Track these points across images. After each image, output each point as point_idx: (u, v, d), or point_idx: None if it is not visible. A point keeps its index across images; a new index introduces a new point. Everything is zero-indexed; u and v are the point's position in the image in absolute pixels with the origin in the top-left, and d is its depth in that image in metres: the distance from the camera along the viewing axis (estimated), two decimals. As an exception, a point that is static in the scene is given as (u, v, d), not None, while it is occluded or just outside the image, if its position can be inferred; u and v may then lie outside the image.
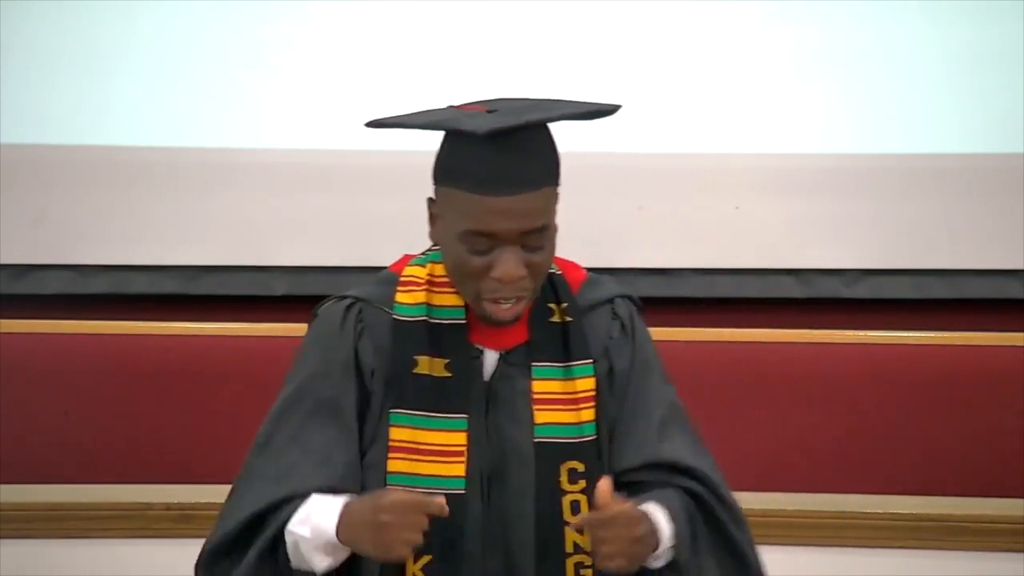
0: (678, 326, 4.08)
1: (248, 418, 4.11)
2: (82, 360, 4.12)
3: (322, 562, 2.14)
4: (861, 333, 4.14)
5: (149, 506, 3.73)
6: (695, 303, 4.36)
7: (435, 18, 4.33)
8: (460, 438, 2.18)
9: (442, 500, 2.07)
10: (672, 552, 2.18)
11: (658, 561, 2.17)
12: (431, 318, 2.23)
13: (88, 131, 4.40)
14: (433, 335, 2.22)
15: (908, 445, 4.04)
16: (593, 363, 2.24)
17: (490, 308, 2.17)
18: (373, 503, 2.07)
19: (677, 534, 2.17)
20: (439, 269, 2.25)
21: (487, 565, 2.18)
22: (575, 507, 2.18)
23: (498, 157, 2.14)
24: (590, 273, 2.34)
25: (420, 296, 2.24)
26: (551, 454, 2.19)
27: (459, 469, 2.18)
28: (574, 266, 2.33)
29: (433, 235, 2.25)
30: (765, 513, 3.65)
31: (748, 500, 3.64)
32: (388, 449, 2.18)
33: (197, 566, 2.23)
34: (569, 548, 2.18)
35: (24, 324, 4.18)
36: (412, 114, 2.29)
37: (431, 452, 2.18)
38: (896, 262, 4.39)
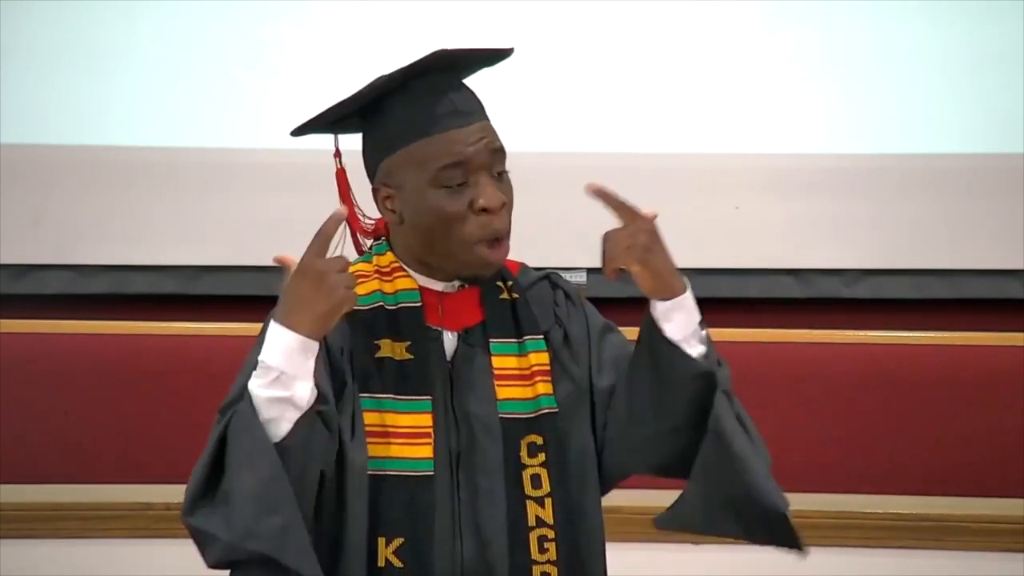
0: (678, 326, 4.07)
1: (248, 418, 4.13)
2: (82, 360, 4.12)
3: (303, 387, 2.09)
4: (861, 333, 4.15)
5: (149, 506, 3.74)
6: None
7: (435, 18, 4.33)
8: (426, 419, 2.19)
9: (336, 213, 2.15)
10: (703, 337, 2.23)
11: (693, 345, 2.21)
12: (387, 304, 2.25)
13: (88, 131, 4.40)
14: (391, 320, 2.24)
15: (908, 445, 4.04)
16: (545, 337, 2.27)
17: (484, 252, 2.20)
18: (297, 271, 2.18)
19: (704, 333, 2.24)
20: (384, 260, 2.28)
21: (459, 544, 2.18)
22: (535, 480, 2.19)
23: (442, 96, 2.22)
24: (520, 262, 2.37)
25: (373, 285, 2.26)
26: (513, 429, 2.21)
27: (426, 451, 2.18)
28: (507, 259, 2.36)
29: (391, 217, 2.27)
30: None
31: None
32: (365, 435, 2.18)
33: (183, 514, 2.19)
34: (531, 522, 2.19)
35: (24, 324, 4.18)
36: (329, 108, 2.34)
37: (399, 435, 2.19)
38: (896, 262, 4.39)
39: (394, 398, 2.20)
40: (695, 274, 4.72)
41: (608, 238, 2.24)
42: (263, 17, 4.38)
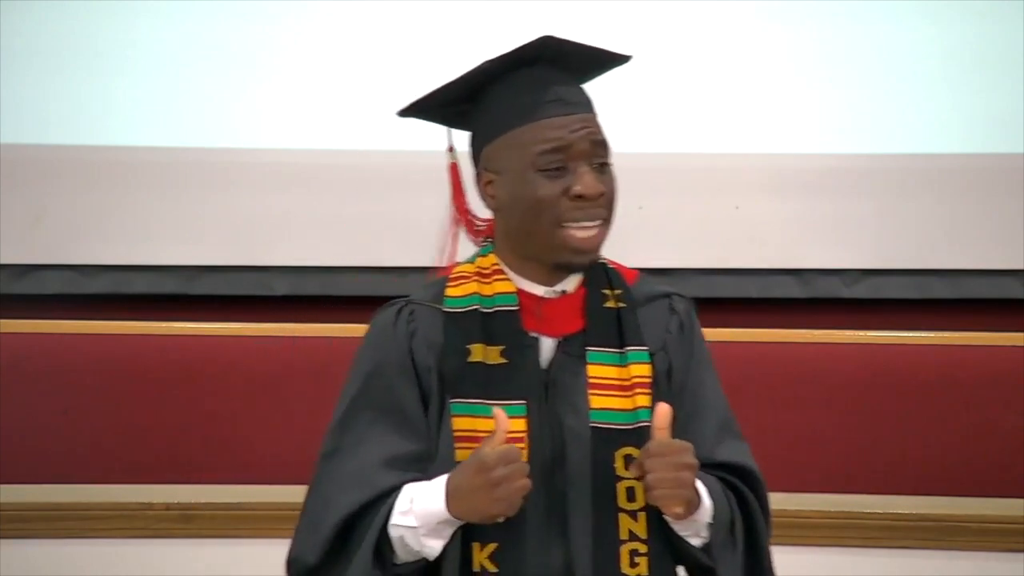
0: (678, 326, 4.08)
1: (248, 418, 4.13)
2: (82, 360, 4.12)
3: (435, 545, 2.15)
4: (861, 333, 4.14)
5: (149, 506, 3.73)
6: (695, 303, 4.35)
7: (435, 18, 4.33)
8: (519, 424, 2.18)
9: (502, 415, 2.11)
10: (709, 530, 2.18)
11: (697, 537, 2.18)
12: (483, 307, 2.24)
13: (88, 131, 4.40)
14: (486, 323, 2.22)
15: (908, 445, 4.04)
16: (650, 352, 2.24)
17: (573, 234, 2.19)
18: (477, 464, 2.09)
19: (715, 513, 2.18)
20: (487, 261, 2.27)
21: (549, 551, 2.18)
22: (630, 493, 2.17)
23: (548, 86, 2.23)
24: (641, 272, 2.35)
25: (471, 287, 2.25)
26: (606, 440, 2.19)
27: (520, 455, 2.17)
28: (624, 267, 2.34)
29: (491, 203, 2.26)
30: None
31: (748, 500, 3.66)
32: (454, 440, 2.19)
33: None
34: (623, 535, 2.17)
35: (24, 324, 4.18)
36: (436, 89, 2.32)
37: None
38: (896, 262, 4.40)
39: (485, 403, 2.19)
40: (695, 274, 4.72)
41: (652, 474, 2.13)
42: (263, 17, 4.38)
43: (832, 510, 3.73)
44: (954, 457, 4.02)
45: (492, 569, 2.16)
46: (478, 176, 2.27)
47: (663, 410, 2.11)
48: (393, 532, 2.16)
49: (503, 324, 2.22)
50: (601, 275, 2.28)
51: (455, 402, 2.20)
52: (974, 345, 4.11)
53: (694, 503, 2.15)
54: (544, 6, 4.31)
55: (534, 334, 2.24)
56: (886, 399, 4.07)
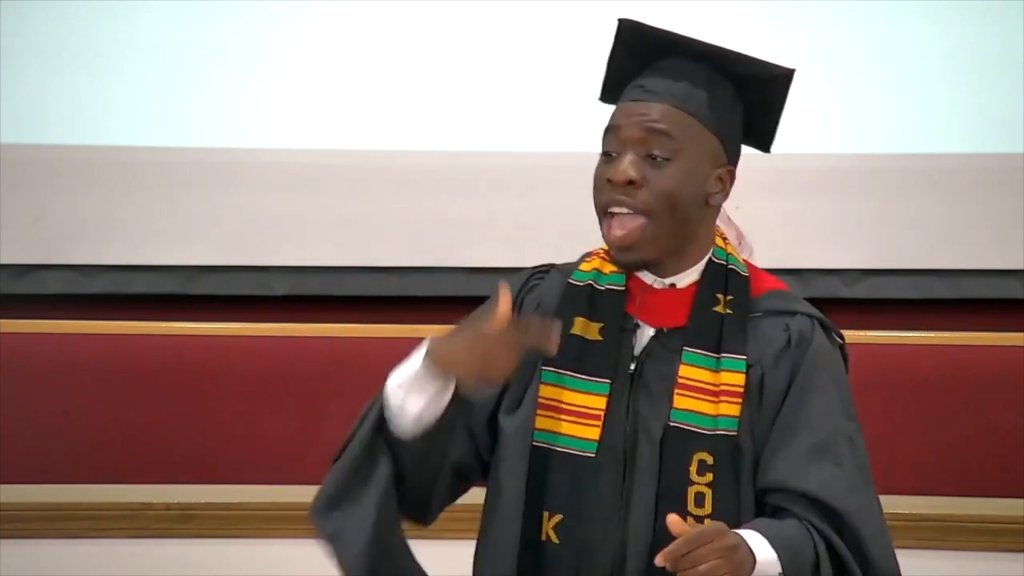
0: (678, 326, 4.08)
1: (248, 418, 4.13)
2: (82, 360, 4.12)
3: (415, 402, 2.14)
4: (861, 333, 4.14)
5: (149, 506, 3.73)
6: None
7: (435, 18, 4.32)
8: (600, 402, 2.19)
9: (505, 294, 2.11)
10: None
11: None
12: (596, 284, 2.25)
13: (88, 131, 4.39)
14: (594, 300, 2.24)
15: (908, 445, 4.04)
16: (747, 363, 2.19)
17: (606, 224, 2.20)
18: (469, 324, 2.11)
19: (780, 559, 2.08)
20: None
21: (607, 537, 2.16)
22: (699, 498, 2.15)
23: (648, 75, 2.25)
24: (792, 292, 2.33)
25: (595, 263, 2.27)
26: (684, 441, 2.16)
27: (594, 432, 2.17)
28: (771, 279, 2.34)
29: None
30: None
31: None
32: (537, 406, 2.20)
33: (312, 513, 2.23)
34: None
35: (24, 324, 4.18)
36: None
37: (571, 412, 2.19)
38: (896, 262, 4.39)
39: (572, 375, 2.20)
40: (695, 274, 4.65)
41: (697, 558, 2.00)
42: (263, 17, 4.38)
43: (832, 510, 3.72)
44: (954, 457, 4.02)
45: (555, 540, 2.16)
46: None
47: (673, 517, 2.02)
48: (386, 401, 2.16)
49: (607, 303, 2.23)
50: (719, 276, 2.27)
51: (546, 369, 2.21)
52: (974, 345, 4.11)
53: (741, 569, 2.03)
54: (544, 6, 4.31)
55: (635, 320, 2.24)
56: (886, 399, 4.06)
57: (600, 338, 2.21)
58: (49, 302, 4.42)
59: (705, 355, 2.20)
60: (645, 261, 2.22)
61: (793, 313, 2.27)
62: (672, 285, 2.25)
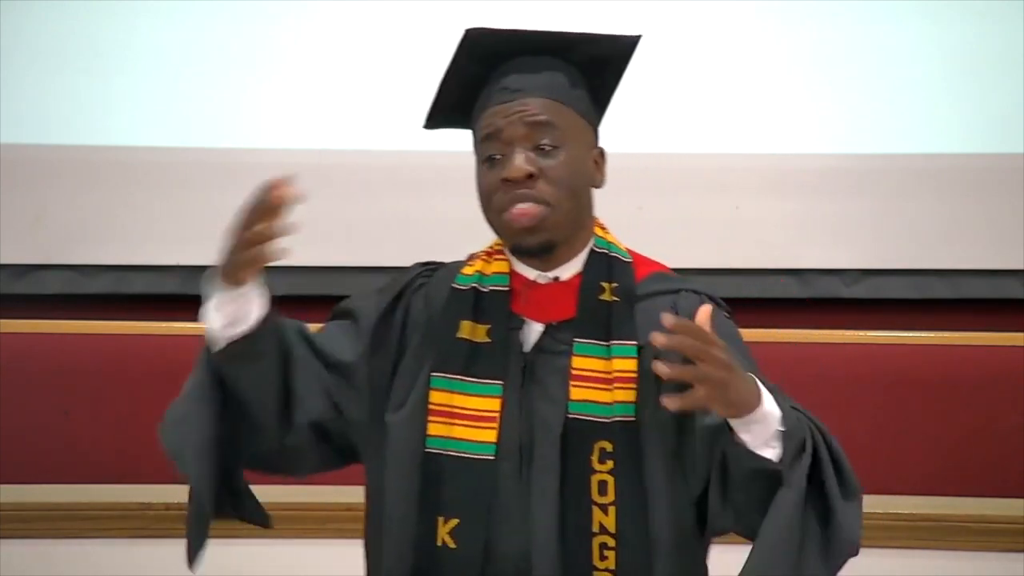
0: (678, 326, 4.08)
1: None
2: (82, 360, 4.12)
3: (216, 319, 2.21)
4: (861, 333, 4.14)
5: (149, 506, 3.73)
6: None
7: (435, 18, 4.33)
8: (494, 404, 2.20)
9: (277, 183, 2.19)
10: (782, 440, 2.07)
11: (768, 448, 2.06)
12: (480, 286, 2.26)
13: (88, 131, 4.40)
14: (479, 302, 2.25)
15: (908, 445, 4.04)
16: (638, 347, 2.21)
17: (508, 217, 2.20)
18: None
19: (786, 421, 2.07)
20: (498, 242, 2.30)
21: (516, 536, 2.17)
22: (602, 487, 2.16)
23: (503, 76, 2.25)
24: (672, 272, 2.33)
25: (477, 266, 2.29)
26: (582, 432, 2.18)
27: (490, 435, 2.19)
28: (653, 262, 2.33)
29: None
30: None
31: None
32: (428, 412, 2.20)
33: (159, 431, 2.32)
34: (595, 528, 2.16)
35: (24, 324, 4.18)
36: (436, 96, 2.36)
37: (464, 416, 2.20)
38: (896, 262, 4.39)
39: (463, 379, 2.21)
40: (695, 274, 4.73)
41: (697, 373, 2.00)
42: (263, 17, 4.38)
43: (832, 510, 3.72)
44: (954, 457, 4.02)
45: (452, 545, 2.16)
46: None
47: (704, 310, 2.02)
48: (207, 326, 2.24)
49: (492, 304, 2.25)
50: (602, 265, 2.27)
51: (436, 376, 2.22)
52: (974, 345, 4.11)
53: (742, 403, 2.03)
54: (544, 6, 4.31)
55: (521, 317, 2.25)
56: (886, 399, 4.07)
57: (488, 340, 2.22)
58: (49, 302, 4.42)
59: (596, 344, 2.21)
60: (551, 241, 2.22)
61: (678, 291, 2.28)
62: (556, 278, 2.26)
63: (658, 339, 1.98)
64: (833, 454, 2.17)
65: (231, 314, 2.21)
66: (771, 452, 2.08)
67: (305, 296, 4.42)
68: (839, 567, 2.13)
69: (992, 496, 3.89)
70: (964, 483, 3.97)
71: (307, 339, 2.30)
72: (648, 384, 2.18)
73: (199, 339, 4.07)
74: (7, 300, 4.39)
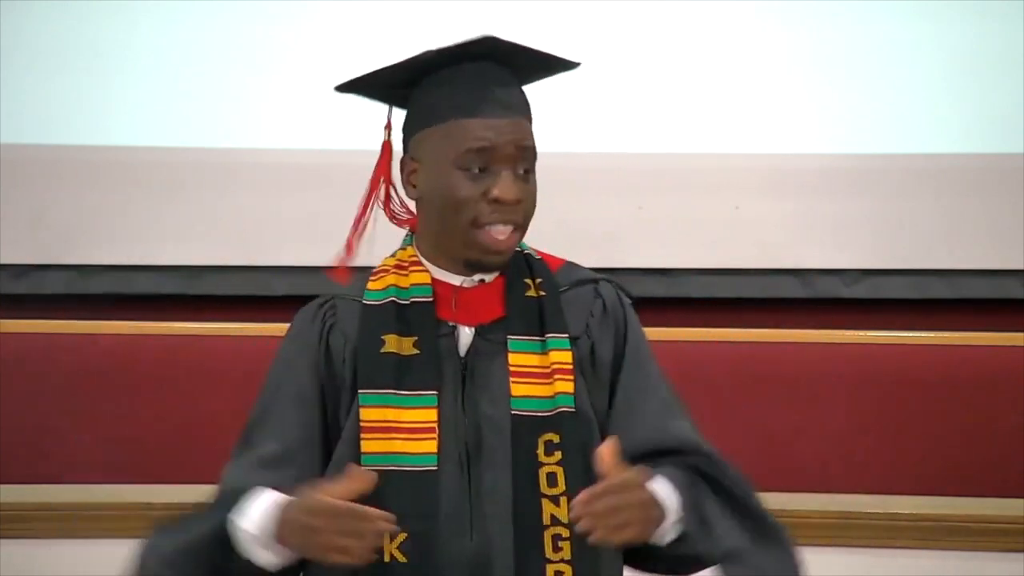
0: (678, 326, 4.08)
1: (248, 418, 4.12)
2: (82, 360, 4.12)
3: (266, 558, 2.13)
4: (861, 333, 4.14)
5: (149, 506, 3.74)
6: (695, 303, 4.36)
7: (435, 18, 4.33)
8: (430, 415, 2.19)
9: (366, 476, 2.07)
10: (680, 524, 2.16)
11: (667, 536, 2.16)
12: (398, 299, 2.26)
13: (88, 131, 4.40)
14: (401, 315, 2.25)
15: (908, 445, 4.04)
16: (571, 339, 2.25)
17: (486, 235, 2.20)
18: (301, 505, 2.09)
19: (683, 504, 2.16)
20: (406, 254, 2.30)
21: (466, 541, 2.18)
22: (551, 479, 2.18)
23: (488, 84, 2.24)
24: (568, 260, 2.36)
25: (388, 280, 2.29)
26: (528, 427, 2.20)
27: (430, 446, 2.18)
28: (551, 255, 2.35)
29: (412, 192, 2.29)
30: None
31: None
32: (360, 430, 2.19)
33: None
34: (546, 520, 2.17)
35: (24, 324, 4.18)
36: (377, 69, 2.34)
37: (402, 430, 2.19)
38: (895, 262, 4.39)
39: (396, 393, 2.20)
40: (695, 274, 4.72)
41: (612, 508, 2.07)
42: (263, 17, 4.38)
43: (832, 510, 3.73)
44: (954, 457, 4.02)
45: (402, 559, 2.15)
46: (403, 162, 2.31)
47: (607, 450, 2.08)
48: (230, 527, 2.15)
49: (417, 315, 2.24)
50: (522, 264, 2.29)
51: (364, 392, 2.21)
52: (974, 345, 4.11)
53: (652, 525, 2.12)
54: (544, 6, 4.31)
55: (450, 323, 2.25)
56: (886, 399, 4.07)
57: (416, 351, 2.22)
58: (49, 302, 4.42)
59: (530, 340, 2.23)
60: (507, 261, 2.25)
61: (595, 280, 2.32)
62: (482, 281, 2.27)
63: (577, 515, 2.04)
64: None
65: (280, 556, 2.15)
66: (667, 536, 2.16)
67: (305, 296, 4.42)
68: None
69: (992, 496, 3.89)
70: (964, 483, 3.97)
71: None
72: (585, 373, 2.24)
73: (199, 339, 4.05)
74: (7, 300, 4.39)
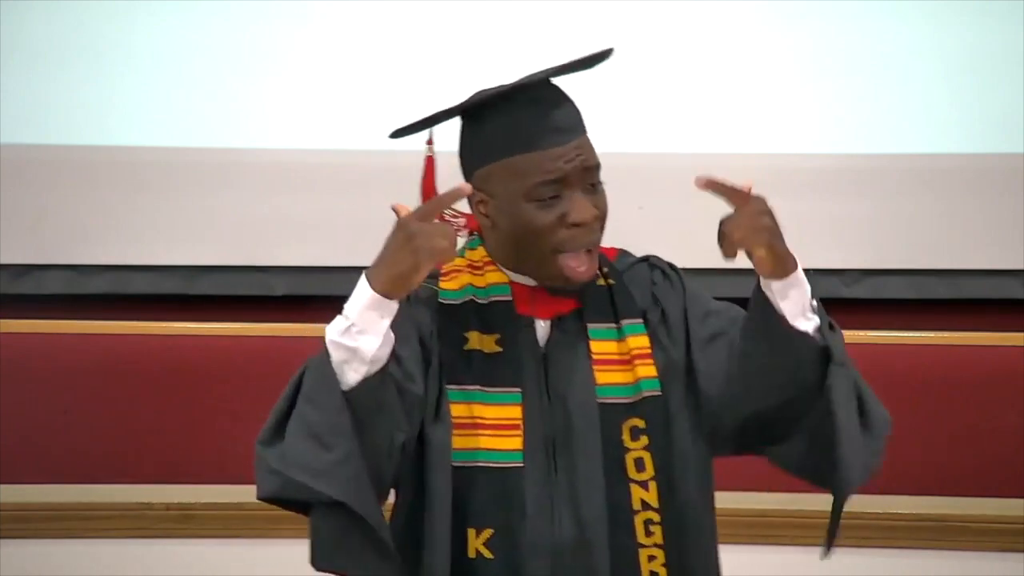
0: (678, 326, 4.08)
1: (248, 418, 4.11)
2: (82, 360, 4.12)
3: (369, 341, 2.09)
4: (861, 333, 4.14)
5: (149, 506, 3.74)
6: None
7: (435, 18, 4.33)
8: (515, 411, 2.20)
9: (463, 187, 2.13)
10: (815, 314, 2.28)
11: (804, 318, 2.28)
12: (477, 298, 2.26)
13: (88, 131, 4.40)
14: (481, 313, 2.25)
15: (908, 445, 4.03)
16: (644, 320, 2.28)
17: (568, 269, 2.21)
18: (390, 234, 2.14)
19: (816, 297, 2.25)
20: (477, 255, 2.29)
21: (556, 530, 2.18)
22: (639, 464, 2.19)
23: (544, 112, 2.25)
24: (620, 248, 2.40)
25: (464, 279, 2.28)
26: (613, 414, 2.21)
27: (516, 442, 2.19)
28: (604, 247, 2.36)
29: (485, 223, 2.27)
30: (764, 513, 3.66)
31: (747, 500, 3.66)
32: (452, 426, 2.19)
33: (257, 443, 2.25)
34: (636, 505, 2.19)
35: (24, 324, 4.18)
36: (429, 115, 2.34)
37: (488, 426, 2.20)
38: (895, 262, 4.39)
39: (482, 390, 2.21)
40: (695, 274, 4.74)
41: (731, 221, 2.34)
42: (263, 17, 4.38)
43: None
44: (954, 457, 4.02)
45: (488, 555, 2.17)
46: (471, 195, 2.26)
47: (746, 183, 2.22)
48: (329, 344, 2.12)
49: (497, 313, 2.25)
50: None
51: (452, 389, 2.21)
52: (974, 345, 4.11)
53: (783, 257, 2.31)
54: (544, 6, 4.31)
55: (528, 316, 2.26)
56: (886, 399, 4.05)
57: (499, 348, 2.23)
58: (49, 302, 4.42)
59: (607, 327, 2.26)
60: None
61: (645, 258, 2.39)
62: None
63: (702, 180, 2.22)
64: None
65: (384, 328, 2.12)
66: (808, 324, 2.29)
67: (305, 296, 4.43)
68: (883, 446, 2.42)
69: (992, 496, 3.89)
70: (964, 483, 3.97)
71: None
72: (661, 342, 2.27)
73: (198, 339, 4.05)
74: (7, 300, 4.39)
